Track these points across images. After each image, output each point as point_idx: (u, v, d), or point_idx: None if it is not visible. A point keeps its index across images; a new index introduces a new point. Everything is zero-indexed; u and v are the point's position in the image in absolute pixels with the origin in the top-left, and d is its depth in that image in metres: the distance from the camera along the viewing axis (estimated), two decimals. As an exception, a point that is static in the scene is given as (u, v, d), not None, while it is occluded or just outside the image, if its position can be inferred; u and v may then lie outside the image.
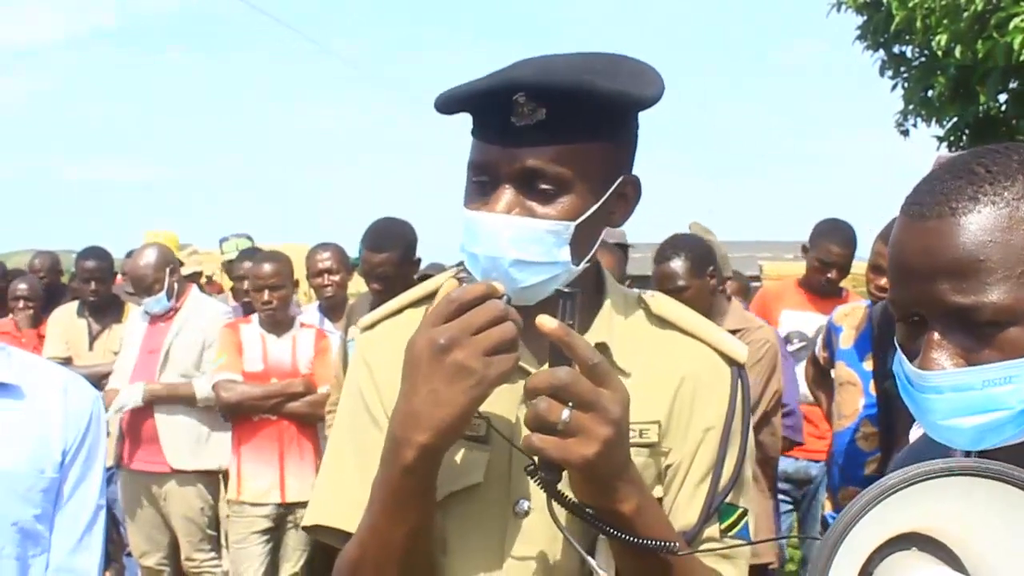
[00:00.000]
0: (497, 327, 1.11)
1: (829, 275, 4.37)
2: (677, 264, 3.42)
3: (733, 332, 3.35)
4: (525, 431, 1.13)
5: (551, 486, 1.14)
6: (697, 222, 5.85)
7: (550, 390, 1.09)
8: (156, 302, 4.63)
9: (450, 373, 1.10)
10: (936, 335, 0.96)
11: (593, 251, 1.27)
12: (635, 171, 1.29)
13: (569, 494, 1.16)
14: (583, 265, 1.25)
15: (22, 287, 5.65)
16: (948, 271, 0.94)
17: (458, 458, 1.25)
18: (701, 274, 3.45)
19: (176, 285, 4.69)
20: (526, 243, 1.19)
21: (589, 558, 1.19)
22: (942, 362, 0.95)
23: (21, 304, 5.57)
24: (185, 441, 4.56)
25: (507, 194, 1.20)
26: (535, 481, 1.15)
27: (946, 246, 0.95)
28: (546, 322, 1.11)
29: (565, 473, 1.14)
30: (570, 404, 1.09)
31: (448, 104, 1.25)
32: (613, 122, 1.23)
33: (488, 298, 1.13)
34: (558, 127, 1.18)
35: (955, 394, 0.94)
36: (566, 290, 1.15)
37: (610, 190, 1.24)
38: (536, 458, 1.14)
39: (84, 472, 1.82)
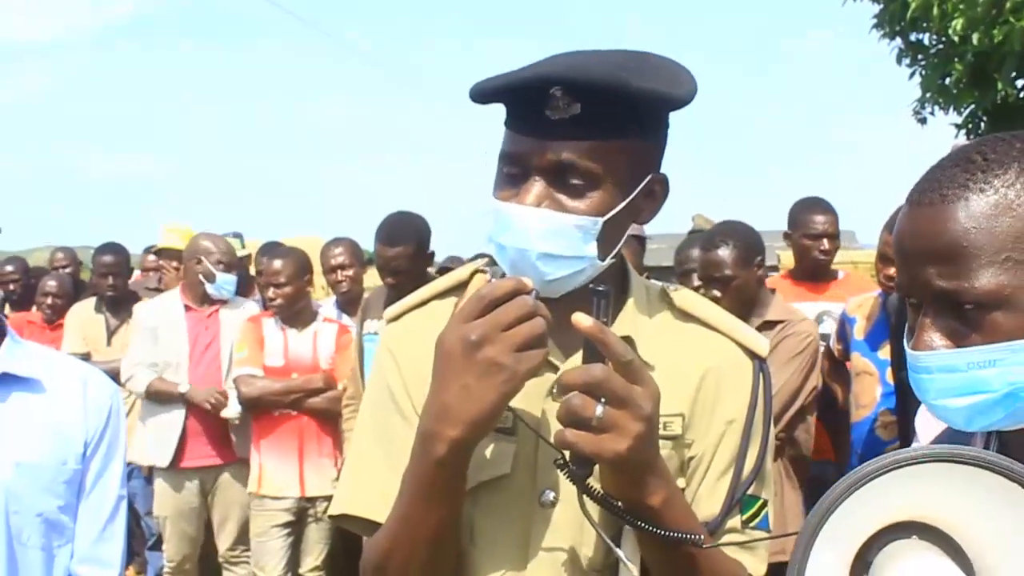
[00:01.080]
0: (527, 323, 1.13)
1: (822, 247, 4.14)
2: (725, 253, 3.33)
3: (776, 324, 3.33)
4: (555, 424, 1.15)
5: (581, 480, 1.15)
6: (700, 214, 5.81)
7: (584, 386, 1.10)
8: (229, 283, 4.65)
9: (482, 369, 1.12)
10: (927, 318, 0.99)
11: (619, 247, 1.29)
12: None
13: (596, 486, 1.18)
14: (609, 260, 1.27)
15: (51, 284, 5.69)
16: (935, 256, 0.97)
17: (487, 450, 1.27)
18: (749, 264, 3.36)
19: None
20: (554, 237, 1.21)
21: (616, 548, 1.21)
22: (931, 344, 0.98)
23: (49, 300, 5.59)
24: (243, 430, 4.58)
25: (537, 186, 1.21)
26: (564, 474, 1.17)
27: (934, 232, 0.98)
28: (582, 320, 1.11)
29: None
30: (603, 400, 1.10)
31: (484, 95, 1.26)
32: (645, 120, 1.25)
33: (518, 294, 1.14)
34: (591, 122, 1.19)
35: (943, 375, 0.98)
36: (600, 288, 1.15)
37: (639, 188, 1.26)
38: (568, 461, 1.15)
39: (105, 464, 1.85)
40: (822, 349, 3.97)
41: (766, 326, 3.33)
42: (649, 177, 1.27)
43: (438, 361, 1.16)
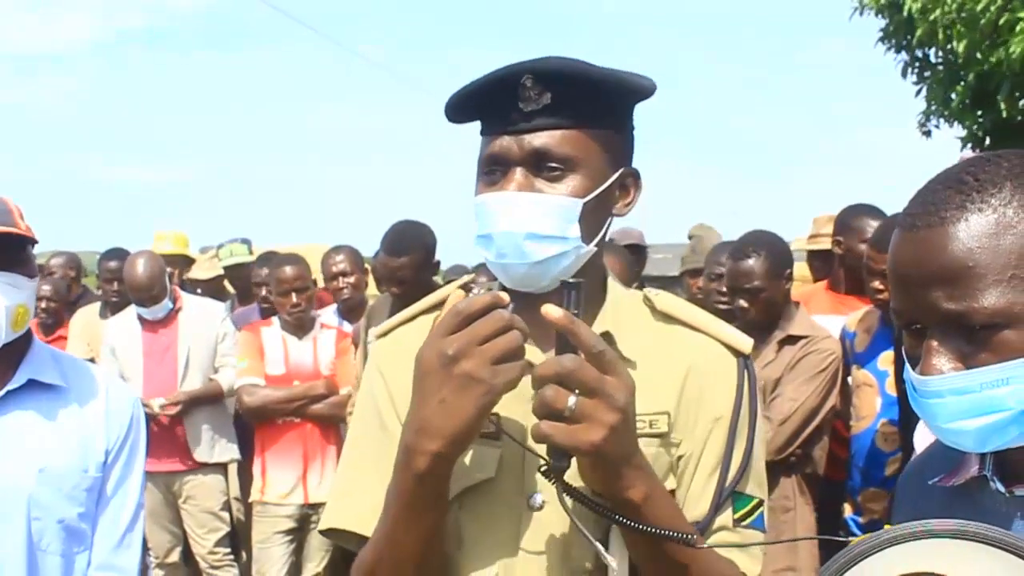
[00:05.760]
0: (503, 336, 1.14)
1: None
2: (755, 263, 3.26)
3: (799, 339, 3.28)
4: (535, 422, 1.15)
5: (561, 474, 1.16)
6: (701, 223, 5.78)
7: (556, 377, 1.12)
8: (161, 308, 4.63)
9: (459, 383, 1.13)
10: (934, 342, 0.98)
11: (601, 235, 1.31)
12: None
13: (579, 485, 1.19)
14: (592, 246, 1.30)
15: (45, 288, 5.62)
16: (940, 279, 0.97)
17: (471, 454, 1.28)
18: (778, 276, 3.29)
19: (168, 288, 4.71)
20: (539, 216, 1.24)
21: (599, 546, 1.21)
22: (941, 367, 0.98)
23: (43, 304, 5.45)
24: (207, 436, 4.67)
25: (518, 175, 1.26)
26: (544, 475, 1.19)
27: (936, 255, 0.97)
28: (551, 311, 1.13)
29: (575, 468, 1.17)
30: (576, 391, 1.11)
31: (459, 104, 1.31)
32: (613, 110, 1.30)
33: (493, 308, 1.15)
34: (563, 110, 1.25)
35: (955, 397, 0.97)
36: (571, 280, 1.18)
37: (614, 176, 1.30)
38: (547, 455, 1.17)
39: (125, 472, 1.86)
40: None
41: (789, 340, 3.29)
42: (622, 170, 1.31)
43: (416, 376, 1.17)
